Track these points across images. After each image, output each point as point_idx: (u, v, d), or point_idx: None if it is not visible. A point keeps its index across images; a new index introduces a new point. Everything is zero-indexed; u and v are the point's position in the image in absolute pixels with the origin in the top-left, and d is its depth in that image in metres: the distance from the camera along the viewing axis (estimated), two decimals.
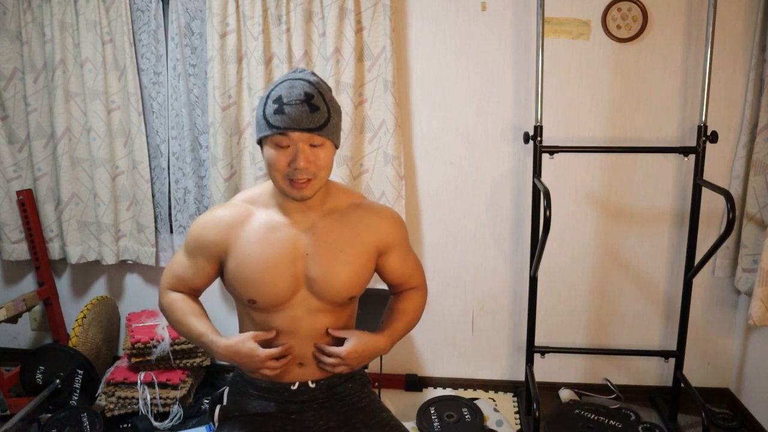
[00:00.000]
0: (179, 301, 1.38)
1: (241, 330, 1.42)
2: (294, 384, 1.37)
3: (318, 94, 1.22)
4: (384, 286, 1.53)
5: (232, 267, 1.31)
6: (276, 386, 1.37)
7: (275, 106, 1.20)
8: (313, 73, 1.27)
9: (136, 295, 2.80)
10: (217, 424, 1.42)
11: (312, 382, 1.38)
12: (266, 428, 1.36)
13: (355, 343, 1.33)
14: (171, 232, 2.66)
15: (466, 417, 2.33)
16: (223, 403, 1.43)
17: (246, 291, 1.30)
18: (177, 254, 1.40)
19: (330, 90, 1.28)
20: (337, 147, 1.30)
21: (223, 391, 1.46)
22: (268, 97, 1.23)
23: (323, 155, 1.24)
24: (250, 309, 1.34)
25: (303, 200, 1.27)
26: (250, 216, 1.32)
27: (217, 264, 1.35)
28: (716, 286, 2.43)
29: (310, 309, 1.32)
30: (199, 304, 1.41)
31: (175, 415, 2.35)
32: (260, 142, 1.27)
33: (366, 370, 1.71)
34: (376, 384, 2.25)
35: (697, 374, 2.47)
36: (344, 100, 2.32)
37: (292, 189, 1.24)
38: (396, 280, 1.46)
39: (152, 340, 2.34)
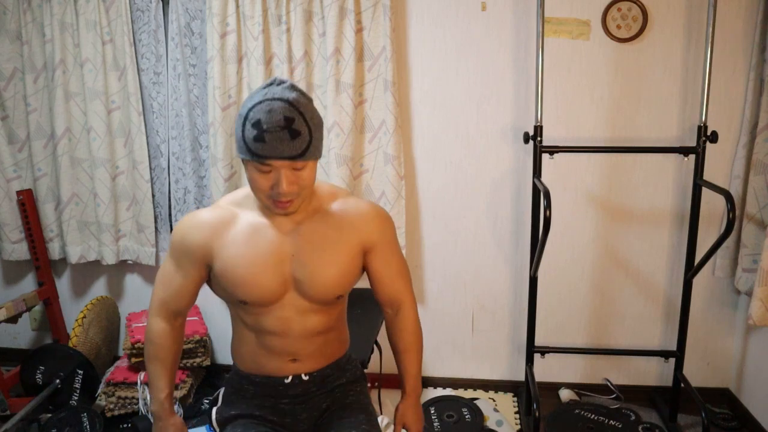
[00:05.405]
0: (163, 337, 1.36)
1: (235, 332, 1.41)
2: (287, 377, 1.38)
3: (299, 115, 1.14)
4: None
5: (219, 269, 1.29)
6: (270, 380, 1.38)
7: (254, 132, 1.13)
8: (292, 86, 1.18)
9: (136, 295, 2.80)
10: (215, 425, 1.42)
11: (305, 375, 1.38)
12: (262, 422, 1.37)
13: (413, 419, 1.49)
14: (171, 232, 2.66)
15: (466, 417, 2.33)
16: (219, 403, 1.44)
17: (236, 293, 1.29)
18: (164, 264, 1.36)
19: (311, 101, 1.20)
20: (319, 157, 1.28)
21: (219, 392, 1.47)
22: (246, 118, 1.15)
23: (306, 175, 1.21)
24: (242, 311, 1.34)
25: (287, 215, 1.27)
26: (235, 218, 1.30)
27: (203, 268, 1.31)
28: (716, 286, 2.43)
29: (299, 310, 1.32)
30: (179, 346, 1.41)
31: None
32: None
33: (366, 370, 1.71)
34: (376, 384, 2.24)
35: (697, 374, 2.48)
36: (344, 100, 2.32)
37: (276, 207, 1.23)
38: (380, 283, 1.41)
39: None
